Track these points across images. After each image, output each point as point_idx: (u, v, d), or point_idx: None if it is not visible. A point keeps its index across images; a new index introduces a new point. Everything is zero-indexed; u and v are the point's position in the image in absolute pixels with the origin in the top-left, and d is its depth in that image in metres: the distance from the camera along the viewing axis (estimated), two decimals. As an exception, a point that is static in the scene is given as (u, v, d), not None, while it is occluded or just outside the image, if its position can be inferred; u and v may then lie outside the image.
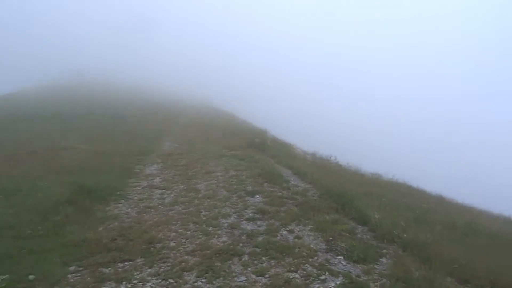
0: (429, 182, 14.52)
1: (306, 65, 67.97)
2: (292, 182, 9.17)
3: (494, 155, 40.80)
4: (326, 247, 5.35)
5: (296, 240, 5.56)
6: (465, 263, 4.80)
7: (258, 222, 6.32)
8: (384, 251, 5.34)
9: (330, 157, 14.13)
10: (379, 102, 55.66)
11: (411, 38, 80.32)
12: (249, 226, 6.12)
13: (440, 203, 11.07)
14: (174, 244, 5.42)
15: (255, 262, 4.84)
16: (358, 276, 4.54)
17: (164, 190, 8.29)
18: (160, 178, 9.37)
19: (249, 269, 4.65)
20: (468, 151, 40.23)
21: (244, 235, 5.72)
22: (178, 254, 5.10)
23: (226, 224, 6.21)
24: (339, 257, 5.04)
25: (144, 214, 6.70)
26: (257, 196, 7.84)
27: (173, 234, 5.79)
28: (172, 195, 7.96)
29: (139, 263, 4.84)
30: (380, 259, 5.06)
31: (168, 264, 4.80)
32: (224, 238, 5.62)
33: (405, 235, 5.67)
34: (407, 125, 47.33)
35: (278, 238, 5.63)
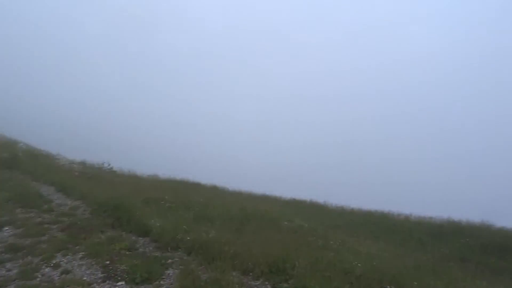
0: (204, 174, 15.34)
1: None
2: (56, 201, 7.71)
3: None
4: (103, 275, 4.54)
5: (64, 276, 4.50)
6: (245, 254, 4.98)
7: (8, 265, 4.82)
8: (170, 260, 4.99)
9: (102, 164, 12.84)
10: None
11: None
12: (-7, 274, 4.58)
13: (215, 194, 11.72)
14: None
15: (3, 325, 3.58)
16: (143, 300, 4.00)
17: None
18: None
19: None
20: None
21: (-15, 290, 4.22)
22: None
23: (-47, 280, 4.46)
24: (120, 283, 4.34)
25: None
26: (6, 228, 6.09)
27: None
28: None
29: None
30: (166, 272, 4.67)
31: None
32: (-50, 303, 3.98)
33: (188, 238, 5.50)
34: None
35: (38, 279, 4.42)
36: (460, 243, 8.97)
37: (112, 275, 4.51)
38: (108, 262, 4.82)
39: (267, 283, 4.47)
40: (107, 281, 4.37)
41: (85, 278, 4.42)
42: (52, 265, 4.79)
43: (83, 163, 13.18)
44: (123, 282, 4.34)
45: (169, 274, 4.61)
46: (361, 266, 4.91)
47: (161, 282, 4.38)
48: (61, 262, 4.86)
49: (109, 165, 12.84)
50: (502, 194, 22.03)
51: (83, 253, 5.12)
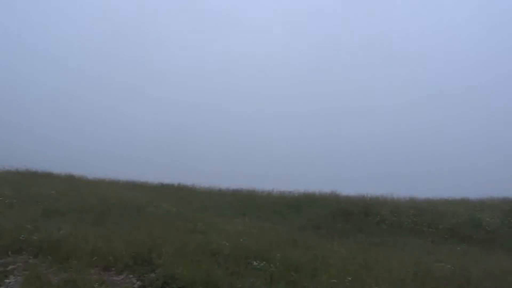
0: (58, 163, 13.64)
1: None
2: None
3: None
4: None
5: None
6: (105, 247, 4.56)
7: None
8: (11, 267, 4.22)
9: None
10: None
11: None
12: None
13: (70, 184, 10.49)
14: None
15: None
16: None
17: None
18: None
19: None
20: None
21: None
22: None
23: None
24: None
25: None
26: None
27: None
28: None
29: None
30: (6, 280, 3.94)
31: None
32: None
33: (34, 238, 4.76)
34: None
35: None
36: (314, 212, 10.07)
37: None
38: None
39: (131, 276, 4.17)
40: None
41: None
42: None
43: None
44: None
45: (10, 283, 3.90)
46: (229, 245, 5.02)
47: (0, 294, 3.68)
48: None
49: None
50: (346, 165, 25.41)
51: None
